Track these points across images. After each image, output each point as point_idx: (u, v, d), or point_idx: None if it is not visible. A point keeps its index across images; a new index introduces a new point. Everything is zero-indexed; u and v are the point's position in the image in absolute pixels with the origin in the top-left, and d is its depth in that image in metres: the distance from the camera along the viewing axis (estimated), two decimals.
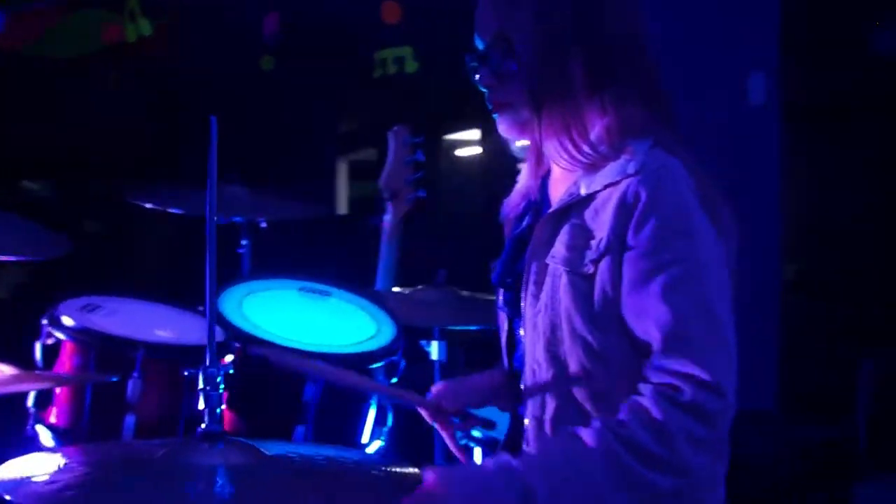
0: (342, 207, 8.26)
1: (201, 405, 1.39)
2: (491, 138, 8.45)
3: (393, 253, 3.60)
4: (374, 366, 2.56)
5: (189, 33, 6.41)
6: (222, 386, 1.40)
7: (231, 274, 3.32)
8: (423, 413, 2.05)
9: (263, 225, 3.34)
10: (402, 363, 2.63)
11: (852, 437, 4.19)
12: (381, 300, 2.80)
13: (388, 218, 3.59)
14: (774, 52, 4.88)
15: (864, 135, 5.61)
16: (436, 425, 2.05)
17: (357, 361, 2.50)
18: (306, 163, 7.10)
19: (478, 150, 8.81)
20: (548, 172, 1.96)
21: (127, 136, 6.48)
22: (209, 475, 1.36)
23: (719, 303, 1.67)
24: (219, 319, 2.50)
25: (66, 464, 1.42)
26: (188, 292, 2.81)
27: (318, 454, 1.53)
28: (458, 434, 2.08)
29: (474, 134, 8.66)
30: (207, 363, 1.39)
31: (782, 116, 4.94)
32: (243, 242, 3.34)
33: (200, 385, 1.40)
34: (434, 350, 3.18)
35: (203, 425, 1.40)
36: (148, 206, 3.04)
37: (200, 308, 2.64)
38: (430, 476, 1.61)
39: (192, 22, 6.41)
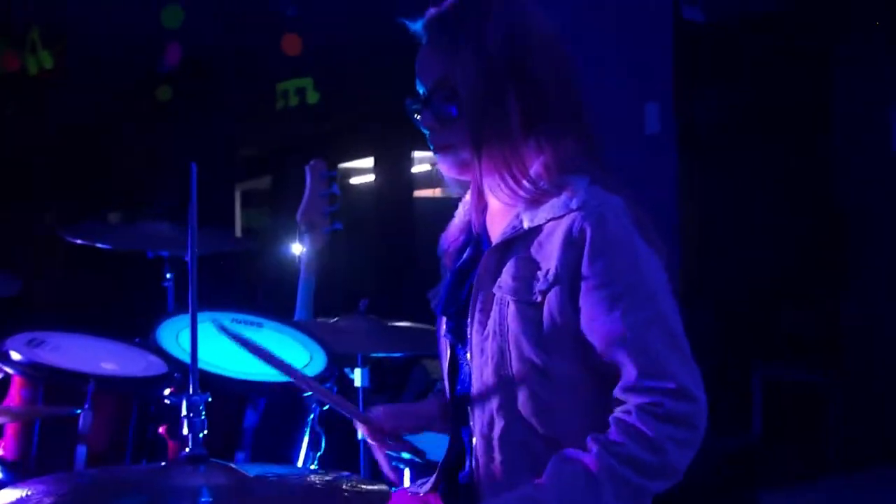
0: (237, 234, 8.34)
1: (185, 430, 1.49)
2: (383, 166, 8.60)
3: (311, 284, 3.69)
4: (308, 393, 2.67)
5: (88, 65, 6.43)
6: (203, 413, 1.51)
7: (159, 306, 3.40)
8: (363, 430, 2.16)
9: (186, 259, 3.41)
10: (335, 389, 2.75)
11: (752, 446, 4.42)
12: (310, 330, 2.91)
13: (305, 251, 3.68)
14: (669, 85, 5.13)
15: (752, 157, 5.93)
16: (372, 443, 2.17)
17: (293, 389, 2.61)
18: (206, 192, 7.12)
19: (371, 177, 8.97)
20: (485, 207, 2.11)
21: (24, 167, 6.48)
22: (194, 495, 1.46)
23: (672, 319, 1.85)
24: (159, 352, 2.59)
25: (50, 490, 1.51)
26: (118, 325, 2.89)
27: (294, 474, 1.64)
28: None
29: (368, 162, 8.82)
30: (191, 391, 1.49)
31: (678, 143, 5.20)
32: (168, 276, 3.40)
33: (184, 412, 1.50)
34: (357, 377, 3.29)
35: (187, 449, 1.50)
36: (78, 242, 3.09)
37: (137, 341, 2.72)
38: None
39: (91, 53, 6.44)
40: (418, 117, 2.03)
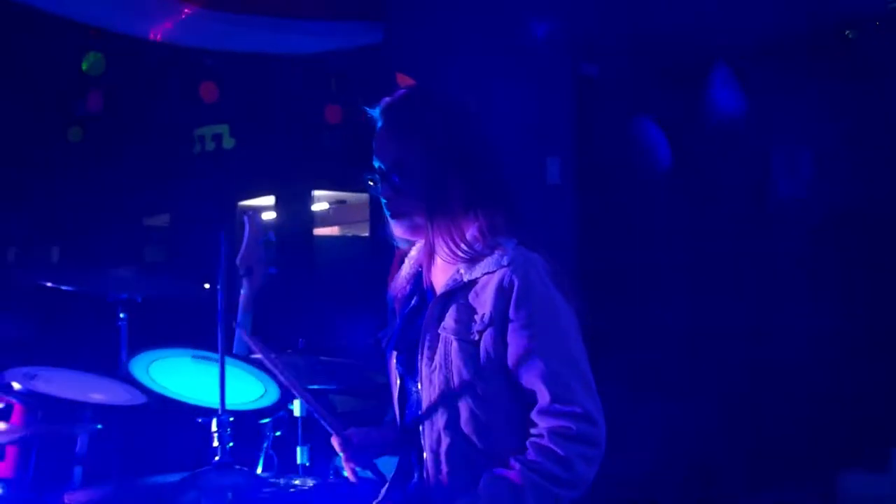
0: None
1: (215, 443, 1.96)
2: (284, 205, 8.98)
3: (248, 323, 4.12)
4: (265, 420, 3.13)
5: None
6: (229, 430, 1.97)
7: (113, 344, 3.81)
8: (338, 444, 2.59)
9: (139, 300, 3.81)
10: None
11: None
12: (262, 365, 3.35)
13: (243, 293, 4.09)
14: (570, 140, 5.70)
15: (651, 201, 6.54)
16: (343, 457, 2.62)
17: (254, 417, 3.06)
18: (117, 228, 7.48)
19: (272, 215, 9.36)
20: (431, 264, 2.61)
21: None
22: (222, 495, 1.92)
23: (580, 356, 2.38)
24: (135, 384, 3.03)
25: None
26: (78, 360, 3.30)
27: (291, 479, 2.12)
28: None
29: (269, 200, 9.19)
30: (220, 411, 1.95)
31: (577, 193, 5.76)
32: (122, 316, 3.81)
33: (214, 428, 1.97)
34: (297, 408, 3.73)
35: (217, 458, 1.96)
36: (48, 284, 3.48)
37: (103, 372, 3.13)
38: None
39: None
40: (376, 187, 2.53)
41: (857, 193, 7.17)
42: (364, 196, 10.49)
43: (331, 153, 7.85)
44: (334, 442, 2.59)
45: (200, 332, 4.46)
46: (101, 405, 2.81)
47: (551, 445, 2.30)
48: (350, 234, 11.68)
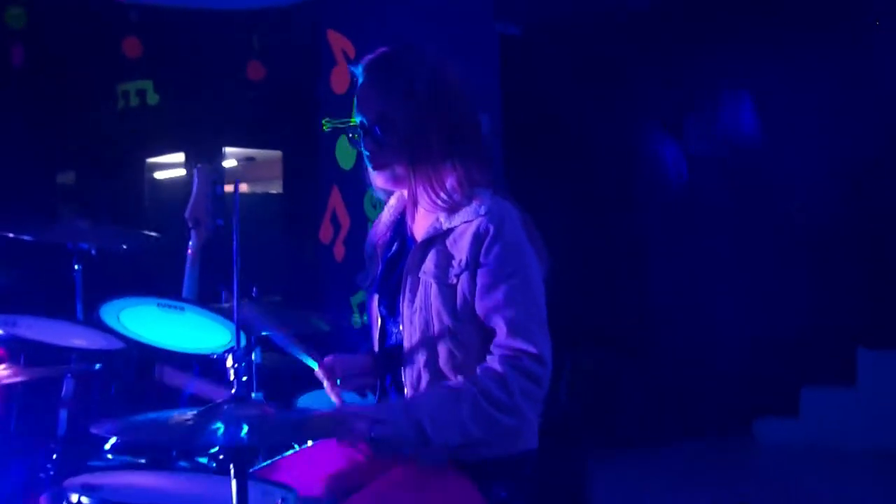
0: None
1: (231, 377, 2.11)
2: (194, 162, 9.01)
3: (195, 274, 4.23)
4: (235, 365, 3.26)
5: None
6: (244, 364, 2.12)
7: (66, 294, 3.89)
8: (322, 373, 2.74)
9: (94, 252, 3.90)
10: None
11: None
12: (225, 313, 3.48)
13: (191, 244, 4.20)
14: (498, 97, 5.90)
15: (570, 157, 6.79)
16: (327, 384, 2.76)
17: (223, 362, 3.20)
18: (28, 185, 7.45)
19: (180, 172, 9.38)
20: (404, 210, 2.78)
21: None
22: (237, 423, 2.07)
23: (541, 300, 2.57)
24: (109, 331, 3.15)
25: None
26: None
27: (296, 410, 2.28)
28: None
29: (178, 157, 9.21)
30: (236, 347, 2.10)
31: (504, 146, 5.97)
32: (77, 267, 3.89)
33: (229, 363, 2.12)
34: (253, 355, 3.87)
35: (233, 390, 2.11)
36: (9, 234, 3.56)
37: (80, 320, 3.25)
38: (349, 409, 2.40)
39: None
40: (357, 140, 2.68)
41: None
42: (274, 153, 10.58)
43: (243, 110, 7.92)
44: (318, 372, 2.74)
45: (153, 281, 4.56)
46: (85, 349, 2.92)
47: (498, 369, 2.48)
48: (260, 192, 11.75)
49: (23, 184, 7.11)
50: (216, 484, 2.65)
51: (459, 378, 2.50)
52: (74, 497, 2.34)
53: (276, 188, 11.16)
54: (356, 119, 2.69)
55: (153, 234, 3.97)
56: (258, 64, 7.30)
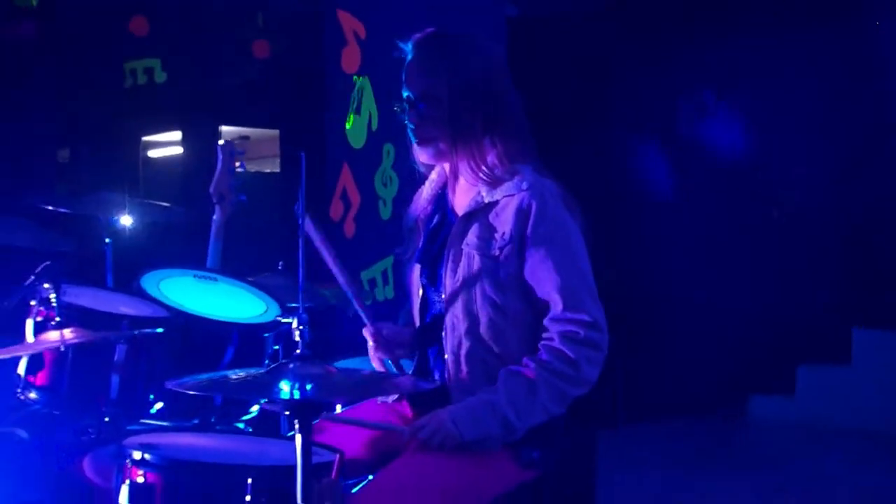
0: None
1: (296, 338, 2.26)
2: (191, 140, 9.11)
3: (219, 248, 4.37)
4: (266, 334, 3.42)
5: None
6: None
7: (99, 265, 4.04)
8: (370, 334, 2.91)
9: (127, 225, 4.05)
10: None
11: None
12: (258, 284, 3.64)
13: (215, 218, 4.34)
14: None
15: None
16: (372, 347, 2.93)
17: (258, 330, 3.36)
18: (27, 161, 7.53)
19: (176, 150, 9.48)
20: (446, 183, 2.93)
21: None
22: (302, 381, 2.23)
23: (587, 270, 2.74)
24: (152, 300, 3.30)
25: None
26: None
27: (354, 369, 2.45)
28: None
29: (175, 135, 9.29)
30: (301, 311, 2.26)
31: None
32: (107, 241, 4.04)
33: (295, 325, 2.27)
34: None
35: (297, 351, 2.27)
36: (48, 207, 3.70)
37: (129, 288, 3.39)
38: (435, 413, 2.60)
39: None
40: (403, 114, 2.83)
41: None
42: (269, 132, 10.67)
43: (244, 89, 8.02)
44: (366, 332, 2.90)
45: (177, 253, 4.68)
46: (135, 316, 3.07)
47: (562, 347, 2.66)
48: (253, 171, 11.83)
49: (28, 160, 7.20)
50: (260, 444, 2.82)
51: (529, 363, 2.67)
52: (137, 454, 2.48)
53: (270, 167, 11.27)
54: (404, 93, 2.84)
55: (180, 208, 4.10)
56: (264, 42, 7.40)
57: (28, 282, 2.73)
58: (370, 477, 2.72)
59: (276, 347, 3.50)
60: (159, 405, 3.16)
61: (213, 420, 3.28)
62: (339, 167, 5.93)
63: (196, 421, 3.15)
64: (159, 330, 2.97)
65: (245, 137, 11.62)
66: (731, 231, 7.98)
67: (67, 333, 2.67)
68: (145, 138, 9.18)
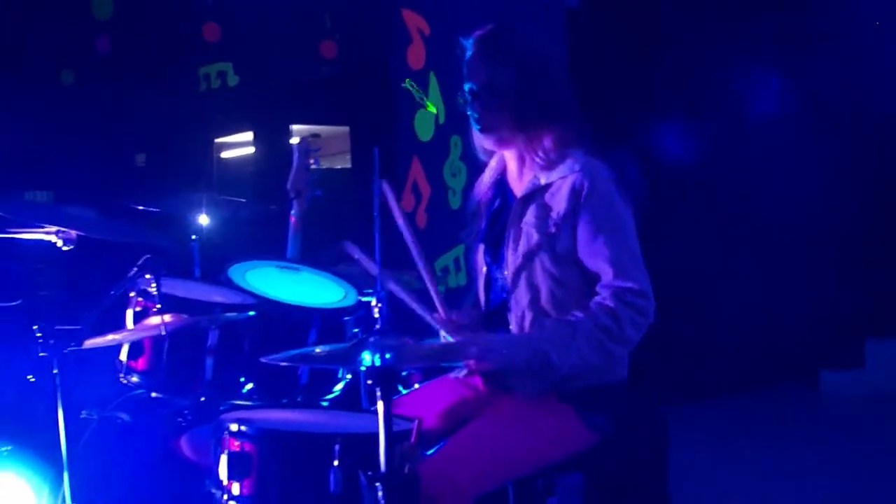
0: None
1: (376, 314, 2.52)
2: (263, 140, 9.38)
3: (298, 240, 4.64)
4: (348, 318, 3.68)
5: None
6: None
7: (186, 258, 4.33)
8: (439, 319, 3.14)
9: (205, 223, 4.33)
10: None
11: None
12: (338, 273, 3.90)
13: (293, 212, 4.61)
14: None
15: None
16: (444, 330, 3.15)
17: (342, 314, 3.62)
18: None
19: (250, 150, 9.76)
20: (505, 169, 3.17)
21: None
22: (382, 350, 2.47)
23: (635, 245, 2.97)
24: (240, 289, 3.57)
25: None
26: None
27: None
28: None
29: (247, 136, 9.58)
30: (379, 289, 2.51)
31: None
32: (193, 237, 4.33)
33: (374, 303, 2.53)
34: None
35: (377, 326, 2.52)
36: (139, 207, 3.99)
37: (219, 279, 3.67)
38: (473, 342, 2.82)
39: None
40: (466, 105, 3.08)
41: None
42: (339, 129, 10.93)
43: (314, 88, 8.30)
44: (435, 319, 3.14)
45: (256, 247, 4.94)
46: (226, 304, 3.34)
47: (610, 304, 2.88)
48: (324, 167, 12.10)
49: (108, 167, 7.49)
50: (344, 417, 3.08)
51: (577, 313, 2.90)
52: (234, 426, 2.75)
53: (340, 163, 11.53)
54: (466, 86, 3.08)
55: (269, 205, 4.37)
56: (331, 43, 7.68)
57: (132, 274, 2.98)
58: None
59: (356, 330, 3.74)
60: (249, 386, 3.43)
61: (298, 399, 3.54)
62: (409, 160, 6.19)
63: (284, 400, 3.41)
64: (251, 313, 3.22)
65: (316, 135, 11.92)
66: (797, 207, 8.11)
67: (168, 319, 2.93)
68: (218, 140, 9.52)
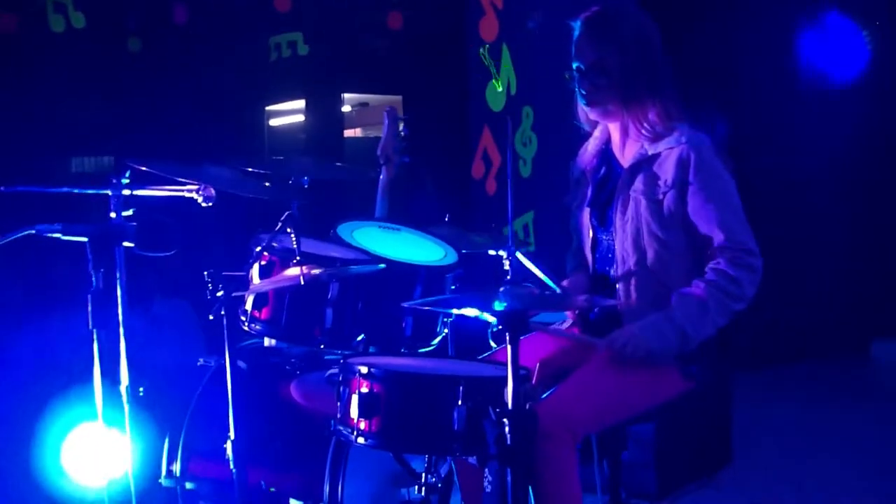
0: None
1: (507, 267, 2.80)
2: (315, 108, 9.58)
3: (385, 204, 4.91)
4: (449, 274, 3.96)
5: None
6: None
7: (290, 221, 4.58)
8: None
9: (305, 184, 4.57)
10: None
11: None
12: (436, 233, 4.17)
13: (382, 178, 4.87)
14: None
15: None
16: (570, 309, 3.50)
17: (444, 270, 3.90)
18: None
19: (298, 118, 9.99)
20: (608, 140, 3.46)
21: None
22: (512, 300, 2.76)
23: (741, 210, 3.27)
24: (350, 246, 3.86)
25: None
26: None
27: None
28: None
29: (298, 104, 9.79)
30: (510, 253, 2.80)
31: None
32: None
33: (505, 256, 2.82)
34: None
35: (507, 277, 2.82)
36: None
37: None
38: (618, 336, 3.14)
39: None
40: (573, 81, 3.36)
41: None
42: (388, 98, 11.16)
43: (365, 56, 8.53)
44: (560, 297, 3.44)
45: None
46: (345, 258, 3.64)
47: (728, 270, 3.19)
48: (373, 136, 12.35)
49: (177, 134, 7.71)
50: (453, 363, 3.38)
51: (699, 283, 3.21)
52: (364, 368, 3.04)
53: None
54: (574, 64, 3.37)
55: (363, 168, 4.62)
56: (398, 13, 7.95)
57: (277, 228, 3.27)
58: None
59: (453, 287, 4.02)
60: (360, 337, 3.72)
61: (402, 350, 3.82)
62: (479, 129, 6.47)
63: (403, 350, 3.71)
64: (381, 266, 3.51)
65: (364, 104, 12.22)
66: (851, 181, 8.34)
67: (306, 270, 3.23)
68: (268, 108, 9.73)
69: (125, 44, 7.79)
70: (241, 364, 3.90)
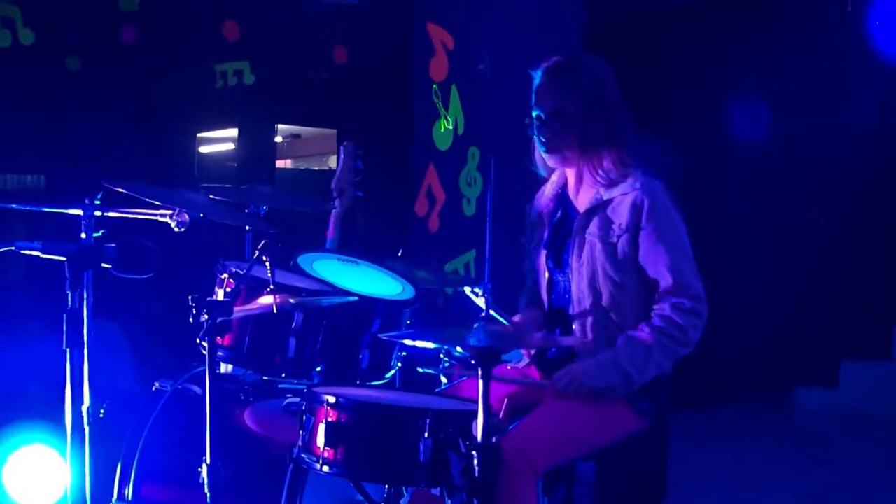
0: None
1: (481, 304, 2.94)
2: (247, 137, 9.62)
3: (337, 237, 5.02)
4: (407, 309, 4.07)
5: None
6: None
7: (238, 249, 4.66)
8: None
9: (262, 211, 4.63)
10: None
11: None
12: (394, 268, 4.28)
13: (335, 211, 4.97)
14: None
15: None
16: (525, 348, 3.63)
17: (401, 306, 4.01)
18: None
19: (227, 146, 10.06)
20: (565, 184, 3.62)
21: None
22: (485, 336, 2.90)
23: (690, 254, 3.43)
24: (310, 277, 3.97)
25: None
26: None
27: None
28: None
29: (230, 132, 9.85)
30: (486, 282, 2.94)
31: None
32: (248, 228, 4.66)
33: (480, 293, 2.95)
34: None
35: (483, 314, 2.95)
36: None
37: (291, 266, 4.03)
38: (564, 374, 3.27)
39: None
40: (533, 129, 3.51)
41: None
42: (320, 130, 11.23)
43: (298, 87, 8.61)
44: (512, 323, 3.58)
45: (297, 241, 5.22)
46: (309, 289, 3.74)
47: (673, 316, 3.35)
48: (303, 167, 12.45)
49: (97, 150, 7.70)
50: (412, 396, 3.49)
51: (644, 328, 3.36)
52: (331, 398, 3.13)
53: (317, 165, 11.85)
54: (534, 112, 3.52)
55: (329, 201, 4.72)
56: (343, 48, 8.08)
57: (255, 256, 3.37)
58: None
59: (409, 322, 4.12)
60: (319, 368, 3.81)
61: (357, 382, 3.92)
62: (425, 166, 6.60)
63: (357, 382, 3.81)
64: (353, 298, 3.62)
65: (296, 136, 12.26)
66: (778, 229, 8.59)
67: (277, 299, 3.34)
68: (200, 134, 9.75)
69: (64, 62, 7.81)
70: (196, 389, 3.97)
